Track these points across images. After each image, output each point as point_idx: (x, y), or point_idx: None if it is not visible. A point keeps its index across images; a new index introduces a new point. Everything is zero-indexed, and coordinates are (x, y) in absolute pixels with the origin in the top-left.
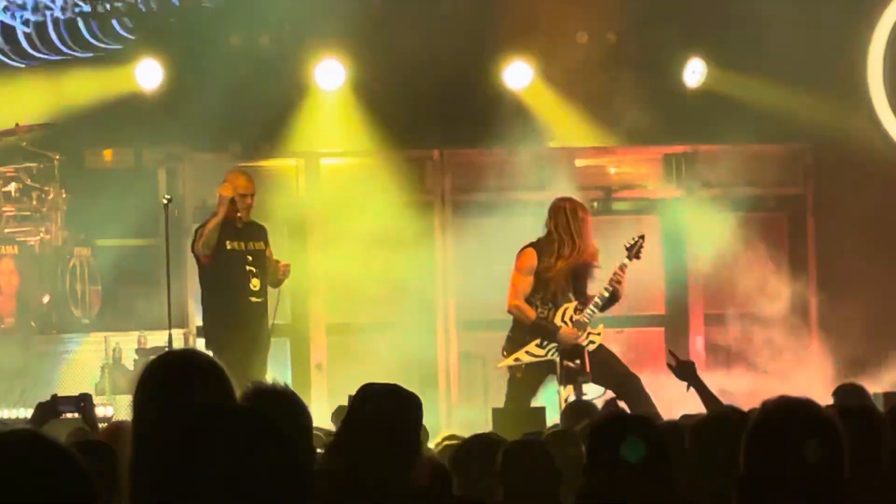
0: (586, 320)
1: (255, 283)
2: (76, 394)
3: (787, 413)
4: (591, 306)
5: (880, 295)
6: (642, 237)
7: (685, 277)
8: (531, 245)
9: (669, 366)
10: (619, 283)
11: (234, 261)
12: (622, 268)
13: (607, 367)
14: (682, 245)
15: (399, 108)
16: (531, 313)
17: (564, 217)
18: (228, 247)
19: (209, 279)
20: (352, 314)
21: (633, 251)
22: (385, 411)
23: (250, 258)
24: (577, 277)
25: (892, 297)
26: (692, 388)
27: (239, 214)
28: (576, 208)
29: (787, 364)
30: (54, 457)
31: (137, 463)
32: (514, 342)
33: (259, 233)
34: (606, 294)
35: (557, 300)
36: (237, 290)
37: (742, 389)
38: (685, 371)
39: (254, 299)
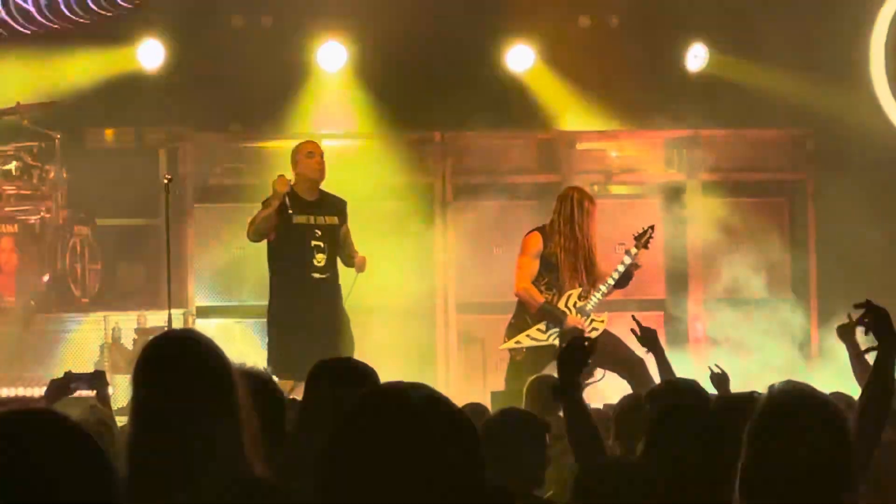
0: (590, 307)
1: (319, 259)
2: (87, 371)
3: (792, 401)
4: (595, 294)
5: (881, 280)
6: (652, 227)
7: (685, 261)
8: (537, 229)
9: (633, 332)
10: (633, 268)
11: (299, 235)
12: (628, 253)
13: (612, 351)
14: (683, 229)
15: (400, 90)
16: (539, 298)
17: (570, 207)
18: (295, 220)
19: (273, 255)
20: (351, 295)
21: (642, 241)
22: (338, 387)
23: (318, 232)
24: (582, 265)
25: (893, 282)
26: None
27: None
28: (583, 199)
29: (787, 349)
30: (73, 437)
31: (135, 442)
32: (516, 328)
33: (334, 207)
34: (612, 282)
35: (562, 286)
36: (299, 265)
37: (741, 373)
38: (648, 337)
39: (317, 275)
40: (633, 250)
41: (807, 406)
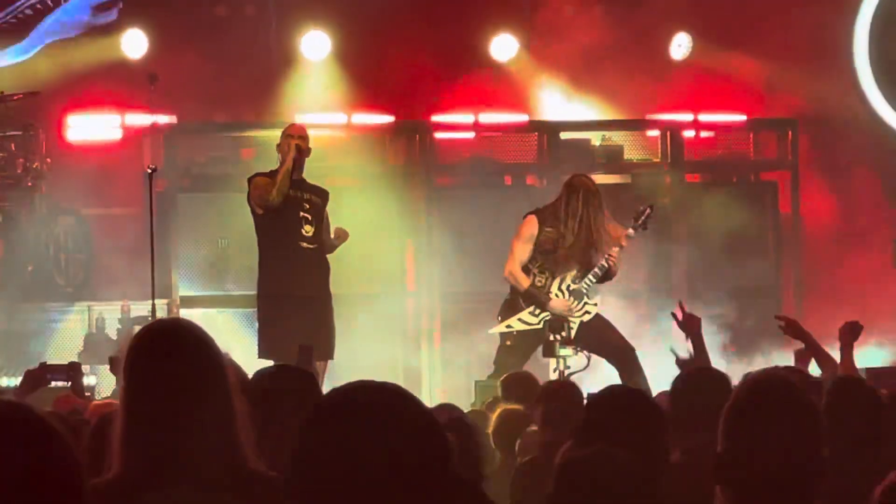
0: (584, 290)
1: (307, 230)
2: (64, 362)
3: (763, 389)
4: (589, 276)
5: (866, 269)
6: (651, 207)
7: (669, 251)
8: (534, 212)
9: (673, 314)
10: (612, 263)
11: (288, 206)
12: (626, 238)
13: (602, 337)
14: (667, 218)
15: (383, 78)
16: (524, 282)
17: (576, 201)
18: None
19: (262, 228)
20: (335, 283)
21: (639, 221)
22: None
23: (307, 206)
24: (578, 255)
25: (878, 271)
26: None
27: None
28: (588, 194)
29: (771, 339)
30: (38, 429)
31: (127, 433)
32: (510, 307)
33: (317, 190)
34: (606, 266)
35: (556, 270)
36: (288, 235)
37: (725, 363)
38: (690, 324)
39: (305, 244)
40: (631, 231)
41: (780, 393)
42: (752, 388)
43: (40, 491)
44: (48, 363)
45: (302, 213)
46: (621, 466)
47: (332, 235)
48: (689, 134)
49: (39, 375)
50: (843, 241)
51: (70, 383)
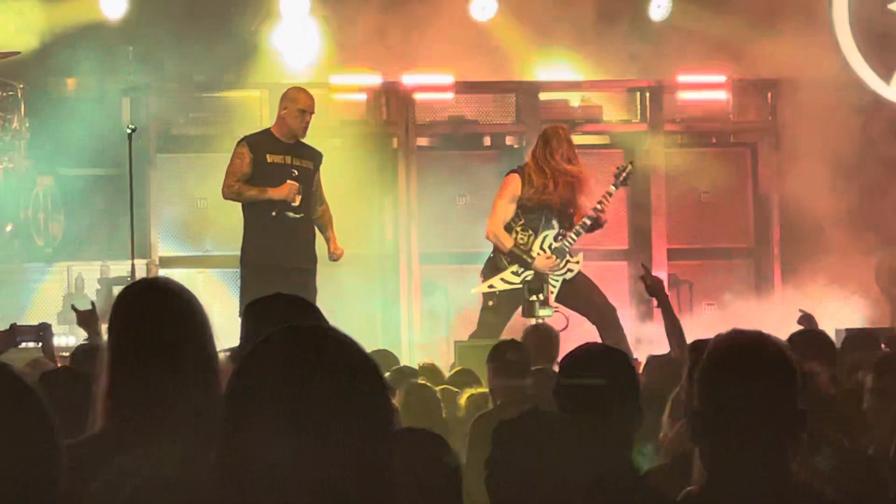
0: (566, 248)
1: (294, 198)
2: (36, 323)
3: (737, 346)
4: (571, 234)
5: (843, 230)
6: (631, 163)
7: (648, 211)
8: (515, 171)
9: (642, 278)
10: (602, 211)
11: (275, 174)
12: (607, 195)
13: (584, 296)
14: (646, 179)
15: (363, 38)
16: (508, 242)
17: (542, 143)
18: (269, 160)
19: None
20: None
21: (621, 178)
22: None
23: (295, 172)
24: (562, 205)
25: (854, 232)
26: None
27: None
28: (555, 132)
29: (749, 300)
30: (11, 386)
31: (114, 388)
32: (493, 267)
33: (310, 153)
34: (588, 222)
35: (538, 227)
36: (274, 203)
37: (704, 325)
38: (655, 287)
39: (291, 214)
40: (612, 188)
41: (754, 349)
42: (725, 345)
43: (14, 446)
44: (18, 324)
45: (290, 182)
46: (554, 428)
47: (331, 232)
48: (667, 94)
49: (9, 337)
50: (821, 202)
51: (40, 344)
